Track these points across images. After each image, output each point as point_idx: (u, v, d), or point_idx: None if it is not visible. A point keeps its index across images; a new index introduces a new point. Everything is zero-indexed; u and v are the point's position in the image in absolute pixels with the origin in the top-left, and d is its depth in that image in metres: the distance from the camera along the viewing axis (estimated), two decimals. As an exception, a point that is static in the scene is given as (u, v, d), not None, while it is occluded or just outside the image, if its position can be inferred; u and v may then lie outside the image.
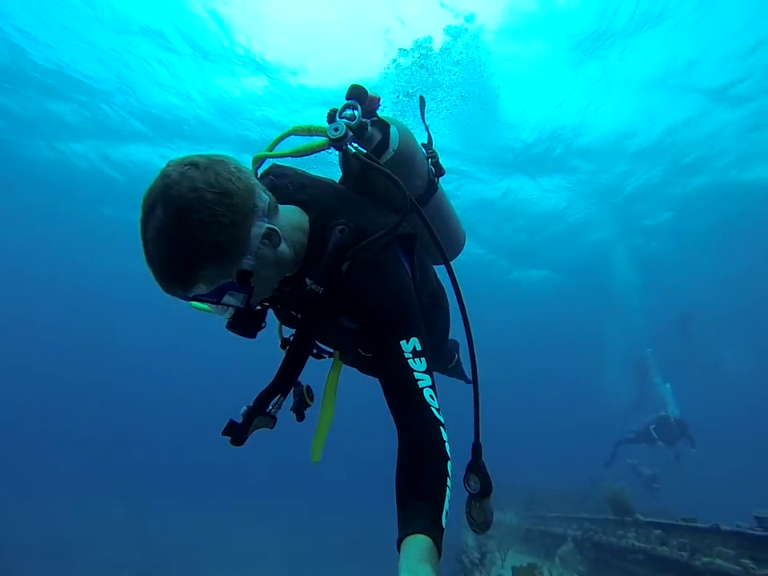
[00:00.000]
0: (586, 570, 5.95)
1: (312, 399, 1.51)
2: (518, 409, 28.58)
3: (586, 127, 10.52)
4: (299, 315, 1.37)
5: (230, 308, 1.11)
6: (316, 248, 1.21)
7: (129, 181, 13.13)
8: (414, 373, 1.09)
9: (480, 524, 1.20)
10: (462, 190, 12.43)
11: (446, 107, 8.50)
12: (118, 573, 10.26)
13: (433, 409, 1.07)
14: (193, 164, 0.97)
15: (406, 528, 0.89)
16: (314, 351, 1.58)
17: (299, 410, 1.50)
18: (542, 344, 23.52)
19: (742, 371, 18.68)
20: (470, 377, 1.95)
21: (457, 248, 1.84)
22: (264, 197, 1.09)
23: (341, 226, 1.20)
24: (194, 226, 0.94)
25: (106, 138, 11.42)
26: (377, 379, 1.27)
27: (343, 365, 1.55)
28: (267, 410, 1.40)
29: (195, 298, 1.04)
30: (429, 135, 1.73)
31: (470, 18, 7.80)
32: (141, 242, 0.98)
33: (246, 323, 1.19)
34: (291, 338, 1.47)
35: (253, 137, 11.13)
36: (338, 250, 1.19)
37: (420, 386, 1.08)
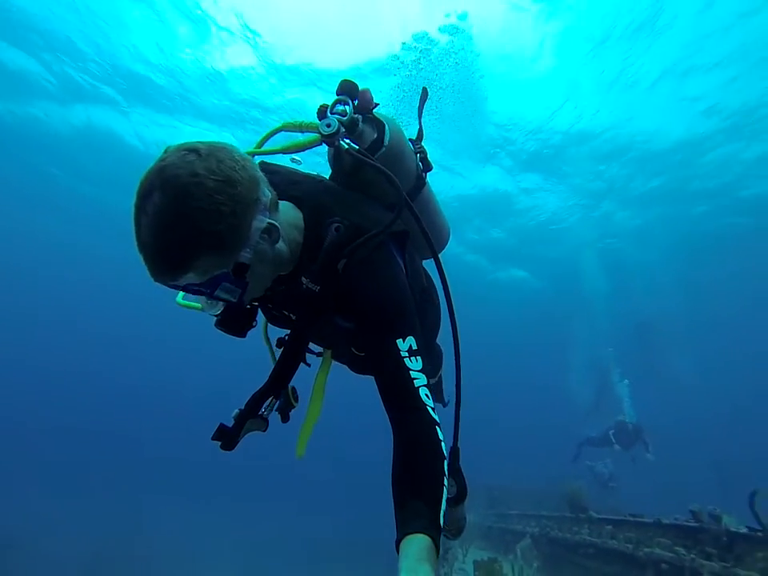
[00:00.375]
0: (541, 564, 6.26)
1: (297, 400, 1.49)
2: (480, 407, 29.17)
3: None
4: (292, 315, 1.35)
5: (221, 303, 1.09)
6: (311, 246, 1.20)
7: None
8: (410, 372, 1.09)
9: (452, 529, 1.19)
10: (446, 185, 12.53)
11: (436, 106, 8.80)
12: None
13: (428, 408, 1.07)
14: (193, 150, 0.94)
15: (405, 528, 0.89)
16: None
17: (284, 411, 1.49)
18: (508, 344, 24.16)
19: (693, 379, 19.70)
20: (447, 399, 2.03)
21: (443, 242, 1.87)
22: (266, 192, 1.07)
23: (336, 224, 1.19)
24: (192, 214, 0.90)
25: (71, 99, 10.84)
26: (364, 380, 1.35)
27: (332, 365, 1.55)
28: (259, 413, 1.38)
29: (186, 288, 1.00)
30: (420, 130, 1.72)
31: (462, 17, 7.95)
32: (133, 227, 0.94)
33: (235, 321, 1.17)
34: (286, 337, 1.44)
35: (237, 113, 10.88)
36: (335, 247, 1.18)
37: (416, 385, 1.08)
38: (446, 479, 0.99)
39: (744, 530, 3.48)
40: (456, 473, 1.20)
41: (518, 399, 30.63)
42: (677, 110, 9.97)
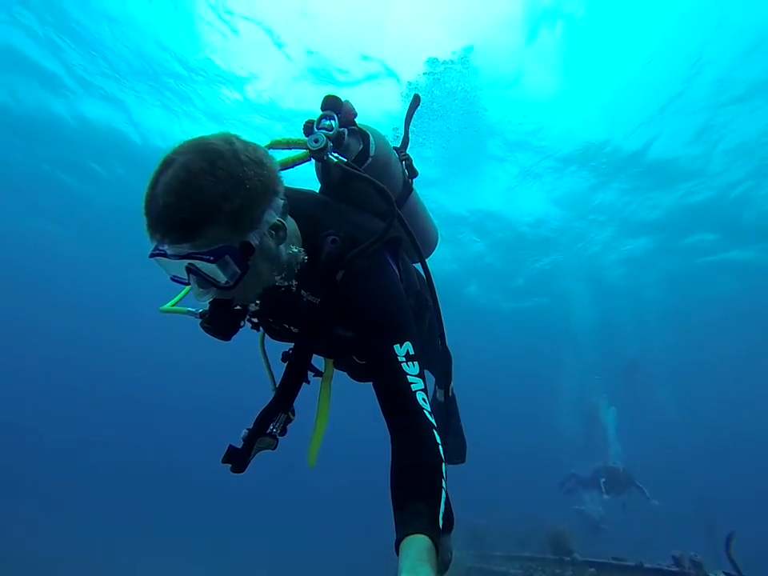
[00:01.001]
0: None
1: (294, 414, 1.48)
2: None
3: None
4: (294, 329, 1.36)
5: (212, 291, 1.05)
6: (309, 259, 1.23)
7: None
8: (408, 376, 1.12)
9: (438, 564, 1.13)
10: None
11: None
12: None
13: (426, 412, 1.09)
14: (227, 133, 1.00)
15: (405, 528, 0.90)
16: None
17: (282, 425, 1.48)
18: (495, 372, 24.18)
19: (678, 418, 19.91)
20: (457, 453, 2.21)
21: (431, 247, 1.91)
22: (282, 195, 1.10)
23: (332, 236, 1.22)
24: (219, 174, 0.92)
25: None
26: (364, 388, 1.39)
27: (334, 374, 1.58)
28: (268, 431, 1.36)
29: (190, 256, 0.95)
30: (406, 137, 1.77)
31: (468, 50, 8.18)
32: (148, 187, 0.93)
33: (222, 322, 1.14)
34: (290, 351, 1.41)
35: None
36: (333, 259, 1.21)
37: (413, 389, 1.11)
38: (444, 482, 1.01)
39: (723, 576, 3.49)
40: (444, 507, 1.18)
41: (505, 431, 30.47)
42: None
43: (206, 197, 0.91)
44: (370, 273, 1.25)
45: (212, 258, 0.95)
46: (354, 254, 1.22)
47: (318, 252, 1.22)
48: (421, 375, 1.15)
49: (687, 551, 4.29)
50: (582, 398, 17.24)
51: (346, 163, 1.35)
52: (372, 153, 1.43)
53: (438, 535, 0.92)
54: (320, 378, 1.52)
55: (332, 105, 1.39)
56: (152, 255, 0.98)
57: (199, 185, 0.90)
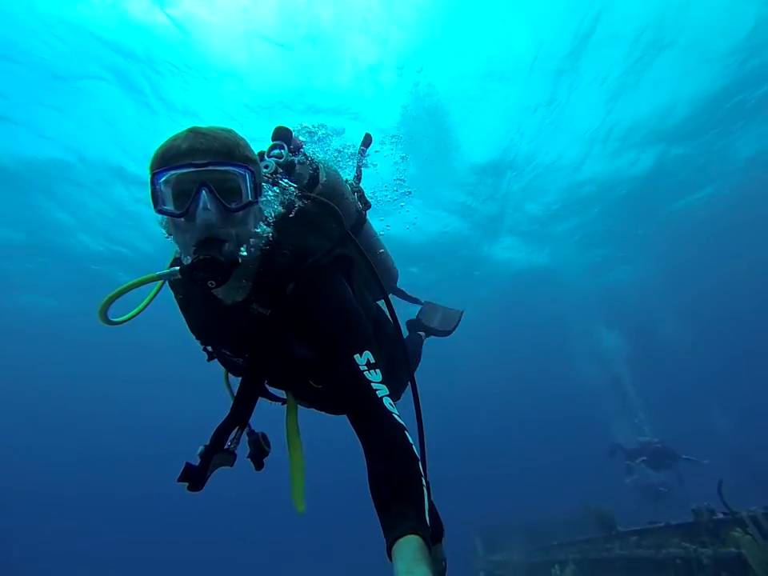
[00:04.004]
0: (587, 586, 7.17)
1: (269, 446, 1.57)
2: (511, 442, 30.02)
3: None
4: (247, 355, 1.45)
5: (216, 213, 1.14)
6: (264, 274, 1.34)
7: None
8: (372, 384, 1.20)
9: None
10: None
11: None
12: None
13: (395, 415, 1.17)
14: None
15: (395, 531, 0.93)
16: (267, 393, 1.65)
17: (257, 459, 1.56)
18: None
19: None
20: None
21: (390, 277, 2.02)
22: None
23: (283, 251, 1.35)
24: (244, 140, 1.24)
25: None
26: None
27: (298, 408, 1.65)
28: (226, 447, 1.44)
29: (228, 163, 1.15)
30: (359, 171, 1.93)
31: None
32: (177, 137, 1.16)
33: (217, 270, 1.14)
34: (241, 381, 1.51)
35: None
36: (282, 272, 1.33)
37: (379, 395, 1.18)
38: (423, 479, 1.07)
39: (721, 516, 4.56)
40: (429, 511, 1.15)
41: (544, 426, 31.44)
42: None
43: (239, 138, 1.22)
44: (322, 285, 1.35)
45: (242, 169, 1.16)
46: (304, 267, 1.33)
47: (271, 266, 1.33)
48: (384, 382, 1.22)
49: (703, 503, 5.34)
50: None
51: (296, 187, 1.45)
52: (322, 180, 1.53)
53: (428, 533, 0.95)
54: (286, 413, 1.61)
55: (282, 136, 1.59)
56: (179, 166, 1.12)
57: (234, 133, 1.22)
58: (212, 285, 1.15)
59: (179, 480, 1.34)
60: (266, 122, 9.12)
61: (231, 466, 1.48)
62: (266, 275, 1.33)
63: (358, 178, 1.94)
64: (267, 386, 1.59)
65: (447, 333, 2.56)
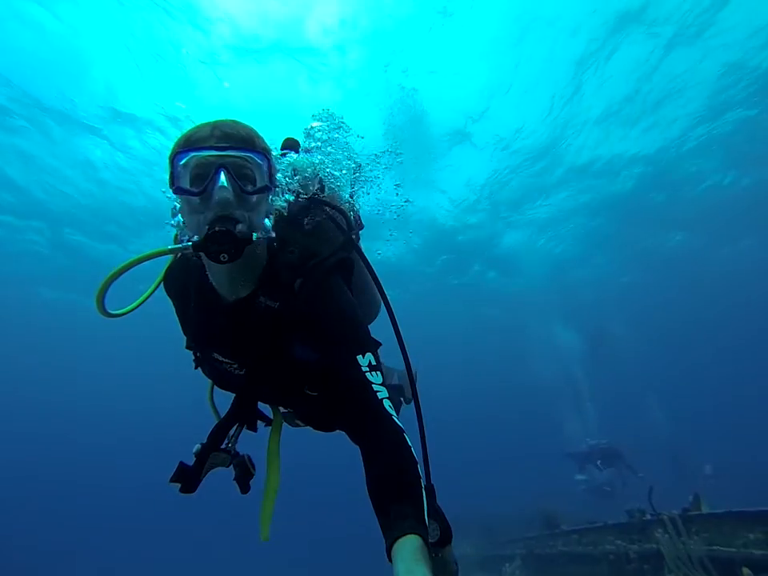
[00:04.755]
0: (532, 579, 7.84)
1: (254, 468, 1.56)
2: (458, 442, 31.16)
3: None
4: (239, 370, 1.46)
5: (233, 193, 1.18)
6: (272, 270, 1.37)
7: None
8: (373, 385, 1.21)
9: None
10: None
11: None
12: None
13: (394, 418, 1.18)
14: None
15: (394, 531, 0.96)
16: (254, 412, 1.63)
17: (243, 481, 1.55)
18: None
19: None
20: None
21: (373, 313, 2.08)
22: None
23: (291, 248, 1.39)
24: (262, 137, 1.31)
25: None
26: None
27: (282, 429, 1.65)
28: (223, 446, 1.46)
29: (248, 150, 1.23)
30: (352, 192, 2.03)
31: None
32: (202, 126, 1.23)
33: (230, 242, 1.16)
34: (234, 369, 1.48)
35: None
36: (291, 267, 1.36)
37: (379, 398, 1.20)
38: (422, 481, 1.09)
39: (649, 517, 5.22)
40: (436, 513, 1.23)
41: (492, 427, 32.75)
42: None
43: (256, 131, 1.30)
44: (329, 285, 1.38)
45: (259, 157, 1.24)
46: (312, 264, 1.37)
47: (278, 262, 1.37)
48: (384, 384, 1.25)
49: (636, 504, 6.01)
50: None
51: (304, 194, 1.55)
52: (327, 192, 1.66)
53: (427, 533, 0.97)
54: (269, 434, 1.61)
55: (291, 146, 1.75)
56: (200, 148, 1.19)
57: (254, 129, 1.30)
58: (224, 258, 1.17)
59: (171, 481, 1.34)
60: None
61: (227, 466, 1.48)
62: (274, 270, 1.36)
63: (352, 197, 2.02)
64: (259, 399, 1.58)
65: (408, 400, 2.41)
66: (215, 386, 1.71)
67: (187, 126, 1.33)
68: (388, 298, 1.61)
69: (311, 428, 1.82)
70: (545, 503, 9.29)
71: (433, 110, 10.02)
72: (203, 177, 1.18)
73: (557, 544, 7.48)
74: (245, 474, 1.55)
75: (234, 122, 1.26)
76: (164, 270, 1.54)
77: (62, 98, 9.10)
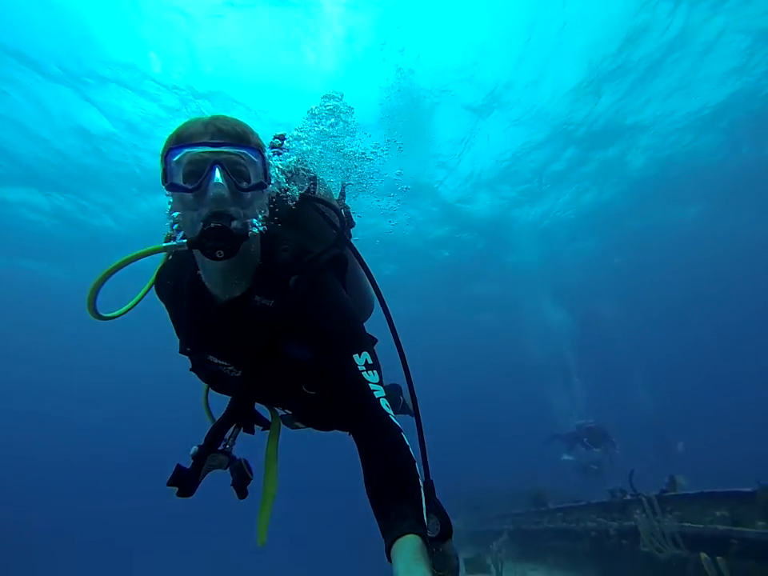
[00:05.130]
0: (519, 553, 8.26)
1: (252, 472, 1.54)
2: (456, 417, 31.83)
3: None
4: (236, 371, 1.45)
5: (228, 188, 1.18)
6: (265, 268, 1.36)
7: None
8: (370, 384, 1.23)
9: (446, 571, 1.20)
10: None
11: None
12: None
13: (391, 416, 1.20)
14: None
15: (394, 531, 0.97)
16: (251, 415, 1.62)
17: (240, 486, 1.52)
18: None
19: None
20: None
21: (370, 304, 2.07)
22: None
23: (284, 246, 1.39)
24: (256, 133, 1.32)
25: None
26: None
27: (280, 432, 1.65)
28: (221, 448, 1.45)
29: (242, 147, 1.23)
30: (343, 190, 2.05)
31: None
32: (195, 122, 1.23)
33: (226, 238, 1.16)
34: (230, 372, 1.48)
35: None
36: (285, 265, 1.36)
37: (376, 397, 1.21)
38: (420, 480, 1.10)
39: (629, 497, 5.57)
40: (436, 508, 1.24)
41: (487, 401, 33.44)
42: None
43: (250, 127, 1.30)
44: (324, 283, 1.38)
45: (254, 154, 1.24)
46: (306, 261, 1.37)
47: (272, 259, 1.36)
48: (381, 383, 1.26)
49: (617, 484, 6.37)
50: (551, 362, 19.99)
51: (297, 192, 1.55)
52: (319, 190, 1.68)
53: (426, 532, 0.99)
54: (267, 438, 1.60)
55: (277, 143, 1.74)
56: (194, 144, 1.19)
57: (244, 123, 1.30)
58: (220, 255, 1.16)
59: (169, 484, 1.32)
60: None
61: (225, 468, 1.47)
62: (268, 268, 1.36)
63: (342, 194, 2.05)
64: (256, 400, 1.58)
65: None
66: (211, 390, 1.70)
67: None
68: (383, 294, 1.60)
69: (312, 428, 1.82)
70: (533, 482, 9.75)
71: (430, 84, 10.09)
72: (197, 173, 1.18)
73: (543, 521, 7.90)
74: (242, 479, 1.53)
75: (228, 117, 1.27)
76: (155, 273, 1.52)
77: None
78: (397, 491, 1.05)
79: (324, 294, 1.37)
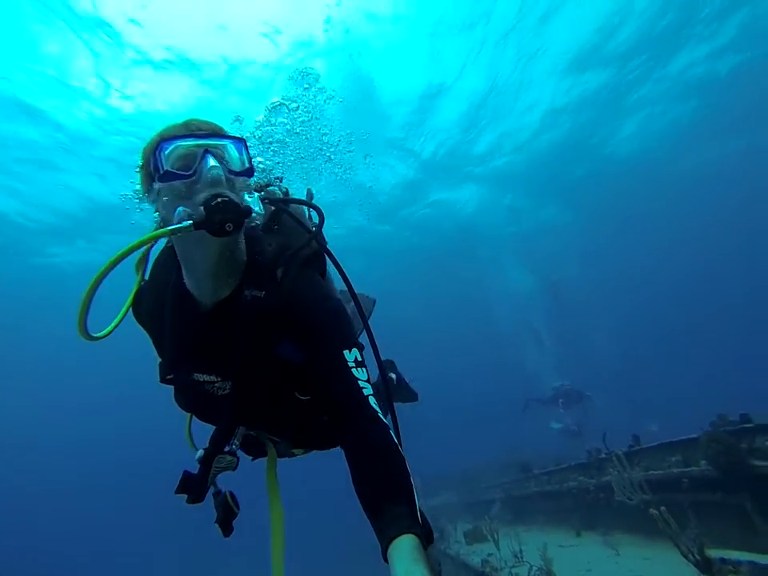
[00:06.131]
0: (511, 518, 9.12)
1: (238, 506, 1.50)
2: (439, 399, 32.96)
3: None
4: (224, 387, 1.41)
5: (222, 170, 1.23)
6: (252, 262, 1.39)
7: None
8: (359, 382, 1.25)
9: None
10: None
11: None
12: None
13: (380, 414, 1.22)
14: None
15: (389, 532, 0.96)
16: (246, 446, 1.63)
17: (226, 522, 1.48)
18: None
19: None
20: (409, 397, 2.62)
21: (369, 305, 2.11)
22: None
23: (269, 242, 1.45)
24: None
25: None
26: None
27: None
28: (227, 449, 1.43)
29: (227, 136, 1.33)
30: (309, 192, 2.05)
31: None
32: (180, 124, 1.31)
33: (233, 210, 1.18)
34: (216, 388, 1.43)
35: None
36: (271, 257, 1.41)
37: (365, 394, 1.23)
38: (411, 478, 1.10)
39: (603, 455, 6.39)
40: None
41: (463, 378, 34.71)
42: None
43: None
44: (311, 277, 1.43)
45: (237, 145, 1.33)
46: (290, 254, 1.41)
47: (259, 255, 1.40)
48: (369, 381, 1.28)
49: (595, 445, 7.20)
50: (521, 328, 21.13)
51: (278, 197, 1.61)
52: (290, 196, 1.72)
53: (422, 531, 0.98)
54: (266, 468, 1.58)
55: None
56: (183, 137, 1.26)
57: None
58: (230, 228, 1.17)
59: (177, 492, 1.32)
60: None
61: (234, 470, 1.45)
62: (256, 261, 1.38)
63: (310, 195, 2.02)
64: (249, 427, 1.55)
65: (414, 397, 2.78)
66: (195, 418, 1.64)
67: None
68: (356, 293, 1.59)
69: (311, 450, 1.81)
70: (518, 452, 10.65)
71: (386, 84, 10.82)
72: (188, 165, 1.23)
73: (530, 485, 8.76)
74: (228, 514, 1.49)
75: (201, 119, 1.35)
76: (131, 296, 1.51)
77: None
78: (389, 490, 1.06)
79: (314, 289, 1.41)
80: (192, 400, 1.51)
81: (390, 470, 1.10)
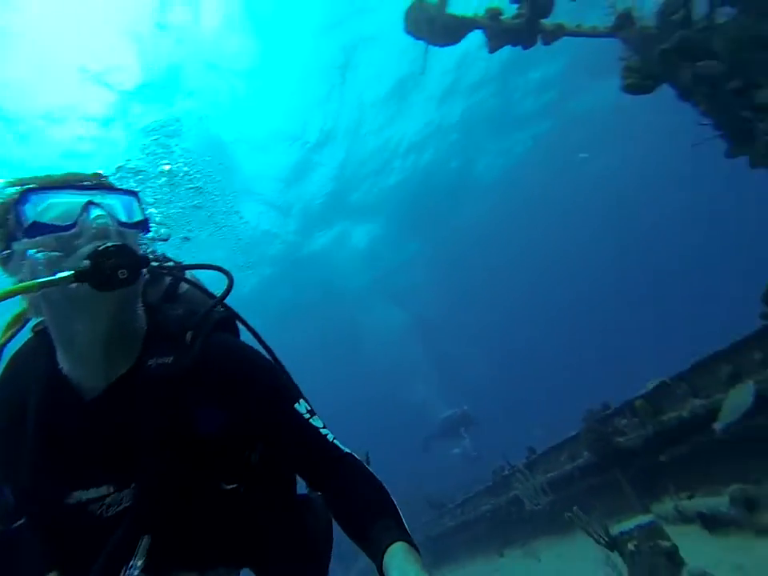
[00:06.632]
0: (432, 560, 9.15)
1: None
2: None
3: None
4: (120, 489, 1.05)
5: (112, 225, 1.04)
6: (154, 330, 1.20)
7: None
8: (321, 430, 1.20)
9: None
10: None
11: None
12: None
13: (350, 451, 1.20)
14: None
15: (379, 546, 0.94)
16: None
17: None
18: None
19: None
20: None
21: None
22: None
23: (174, 306, 1.31)
24: None
25: None
26: None
27: None
28: None
29: (115, 190, 1.18)
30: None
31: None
32: (59, 174, 1.13)
33: (128, 255, 1.01)
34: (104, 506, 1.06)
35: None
36: (178, 320, 1.23)
37: (330, 439, 1.19)
38: (395, 505, 1.06)
39: (507, 473, 6.88)
40: None
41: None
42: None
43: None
44: (227, 338, 1.29)
45: (125, 195, 1.18)
46: (199, 317, 1.22)
47: (162, 321, 1.22)
48: (326, 426, 1.22)
49: (497, 464, 7.64)
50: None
51: (173, 264, 1.49)
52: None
53: (413, 540, 0.97)
54: None
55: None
56: (63, 187, 1.08)
57: None
58: (123, 275, 0.98)
59: None
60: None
61: None
62: (159, 328, 1.19)
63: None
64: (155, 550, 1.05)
65: None
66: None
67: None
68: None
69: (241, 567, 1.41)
70: (422, 489, 10.80)
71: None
72: (67, 217, 1.02)
73: (445, 521, 8.95)
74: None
75: (82, 172, 1.18)
76: None
77: None
78: (374, 512, 1.04)
79: (237, 347, 1.27)
80: (62, 541, 1.08)
81: (374, 495, 1.09)
